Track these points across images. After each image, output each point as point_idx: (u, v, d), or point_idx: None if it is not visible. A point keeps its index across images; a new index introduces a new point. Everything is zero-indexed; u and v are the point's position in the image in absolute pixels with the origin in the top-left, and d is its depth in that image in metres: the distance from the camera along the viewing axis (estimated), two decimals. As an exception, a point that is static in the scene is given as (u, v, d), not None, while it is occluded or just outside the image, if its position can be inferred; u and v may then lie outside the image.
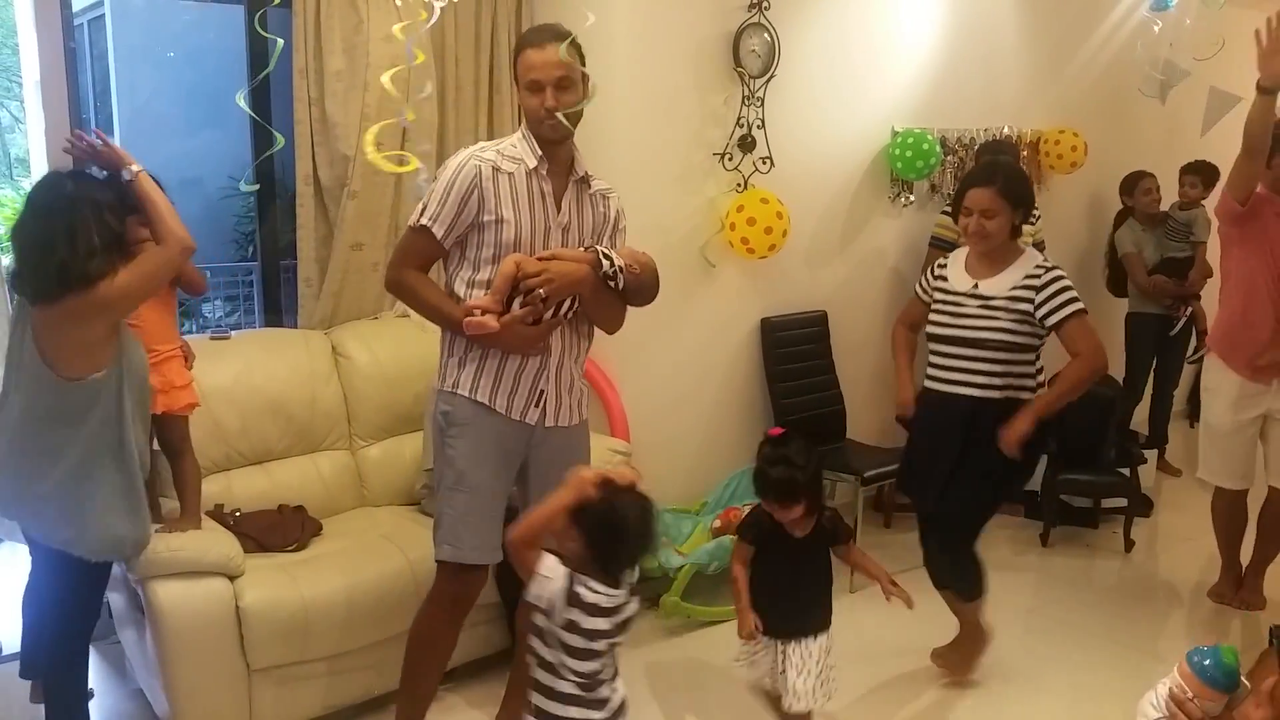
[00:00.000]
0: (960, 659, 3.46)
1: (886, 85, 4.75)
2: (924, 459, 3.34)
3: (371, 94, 3.70)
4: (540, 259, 2.60)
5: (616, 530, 2.03)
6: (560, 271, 2.59)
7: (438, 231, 2.61)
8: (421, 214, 2.62)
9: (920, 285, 3.45)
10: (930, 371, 3.29)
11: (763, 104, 4.23)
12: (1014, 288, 3.14)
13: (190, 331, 4.44)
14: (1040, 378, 3.22)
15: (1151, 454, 5.36)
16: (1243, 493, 4.00)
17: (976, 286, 3.20)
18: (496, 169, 2.61)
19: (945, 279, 3.31)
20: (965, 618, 3.43)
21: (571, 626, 2.02)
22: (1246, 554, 4.11)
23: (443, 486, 2.70)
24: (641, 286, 2.76)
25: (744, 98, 4.18)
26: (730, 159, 4.19)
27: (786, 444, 2.71)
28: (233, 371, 3.48)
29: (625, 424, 3.98)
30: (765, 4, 4.13)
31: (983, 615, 3.43)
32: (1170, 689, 1.65)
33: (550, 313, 2.62)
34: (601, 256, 2.65)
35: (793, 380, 4.49)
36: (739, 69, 4.12)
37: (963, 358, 3.19)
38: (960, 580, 3.37)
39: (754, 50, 4.14)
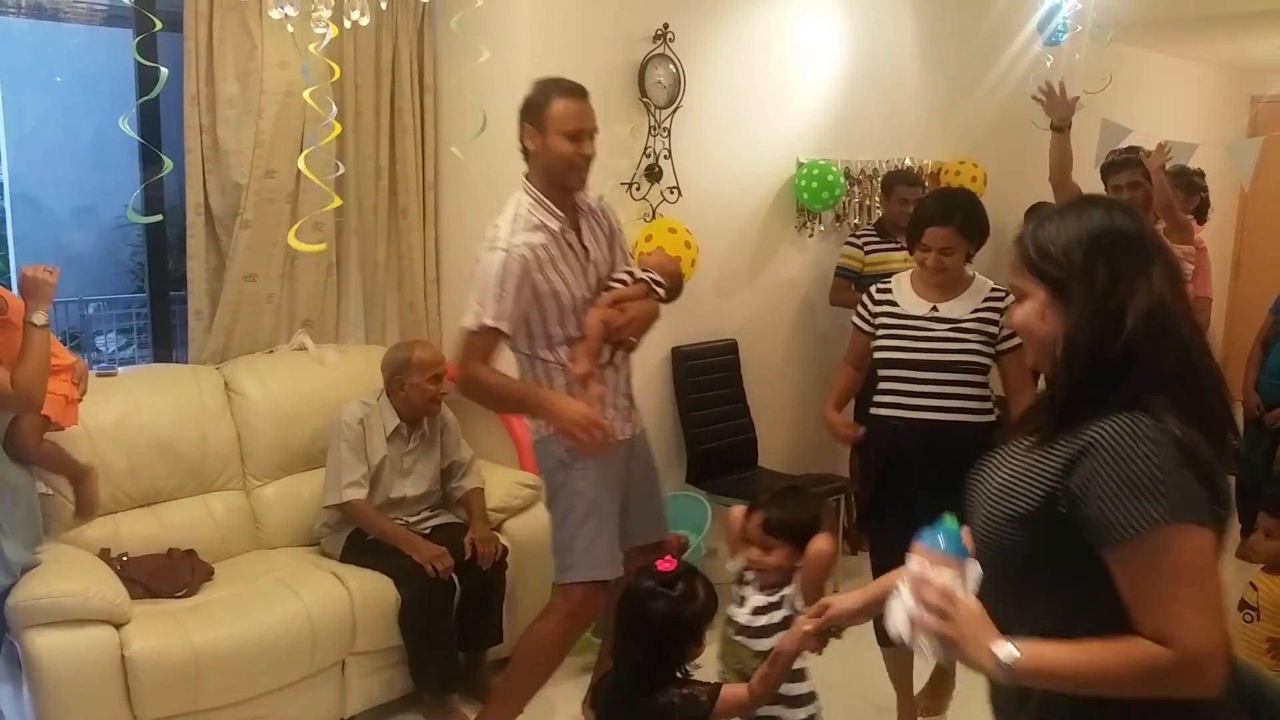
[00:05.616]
0: (935, 697, 3.44)
1: (791, 117, 4.80)
2: (900, 491, 3.09)
3: (266, 120, 3.61)
4: (612, 306, 2.83)
5: None
6: (640, 313, 2.88)
7: (507, 329, 2.73)
8: (482, 314, 2.70)
9: (860, 316, 3.27)
10: (885, 399, 3.14)
11: (669, 134, 4.23)
12: (977, 310, 3.09)
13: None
14: (990, 400, 3.16)
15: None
16: None
17: (936, 309, 3.11)
18: (534, 248, 2.73)
19: (894, 304, 3.18)
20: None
21: None
22: None
23: (571, 519, 2.89)
24: (674, 293, 3.02)
25: (650, 128, 4.17)
26: (638, 189, 4.18)
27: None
28: (119, 409, 3.33)
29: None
30: (670, 36, 4.14)
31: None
32: (908, 577, 1.56)
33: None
34: (652, 285, 2.91)
35: (704, 409, 4.48)
36: (645, 99, 4.12)
37: (929, 382, 3.08)
38: None
39: (659, 81, 4.14)
